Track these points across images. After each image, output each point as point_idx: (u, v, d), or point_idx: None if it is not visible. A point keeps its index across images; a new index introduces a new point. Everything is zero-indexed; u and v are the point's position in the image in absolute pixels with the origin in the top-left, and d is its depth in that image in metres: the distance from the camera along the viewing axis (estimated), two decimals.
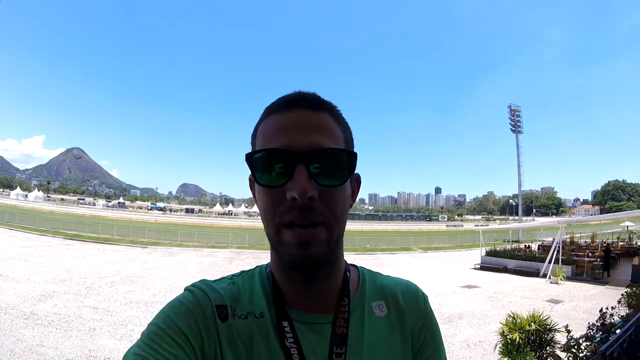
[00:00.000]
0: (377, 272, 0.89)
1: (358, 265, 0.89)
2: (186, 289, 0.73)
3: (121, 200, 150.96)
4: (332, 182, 0.66)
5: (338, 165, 0.67)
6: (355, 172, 0.73)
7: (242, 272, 0.81)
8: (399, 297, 0.83)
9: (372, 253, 28.48)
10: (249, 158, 0.67)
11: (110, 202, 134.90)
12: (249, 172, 0.70)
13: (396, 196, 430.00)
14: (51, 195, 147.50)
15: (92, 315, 9.11)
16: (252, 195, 0.77)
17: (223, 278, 0.79)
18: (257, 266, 0.82)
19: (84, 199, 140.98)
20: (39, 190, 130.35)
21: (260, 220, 0.72)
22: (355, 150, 0.76)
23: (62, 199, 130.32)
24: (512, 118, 56.74)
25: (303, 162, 0.63)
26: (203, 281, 0.75)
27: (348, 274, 0.81)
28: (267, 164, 0.66)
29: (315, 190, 0.63)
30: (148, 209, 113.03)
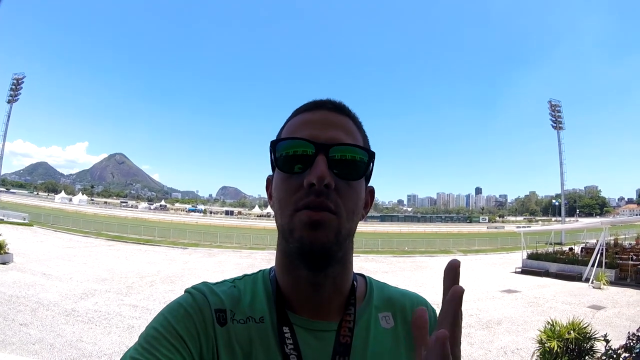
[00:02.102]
0: (385, 283, 0.87)
1: (366, 275, 0.88)
2: (186, 291, 0.73)
3: (163, 203, 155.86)
4: (349, 176, 0.68)
5: (356, 160, 0.69)
6: (370, 185, 0.78)
7: (245, 275, 0.81)
8: (407, 310, 0.80)
9: (410, 255, 28.07)
10: (273, 145, 0.71)
11: (152, 204, 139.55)
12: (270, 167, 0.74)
13: (435, 197, 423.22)
14: (95, 199, 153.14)
15: (132, 313, 9.42)
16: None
17: (225, 281, 0.78)
18: (261, 270, 0.81)
19: (126, 202, 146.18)
20: (82, 194, 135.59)
21: None
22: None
23: (105, 202, 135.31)
24: (553, 114, 54.58)
25: (323, 152, 0.66)
26: (204, 283, 0.75)
27: (355, 282, 0.79)
28: (288, 152, 0.69)
29: (333, 179, 0.65)
30: (186, 212, 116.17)
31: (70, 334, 7.67)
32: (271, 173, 0.77)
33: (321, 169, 0.64)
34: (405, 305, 0.81)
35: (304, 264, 0.68)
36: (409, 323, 0.78)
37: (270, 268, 0.80)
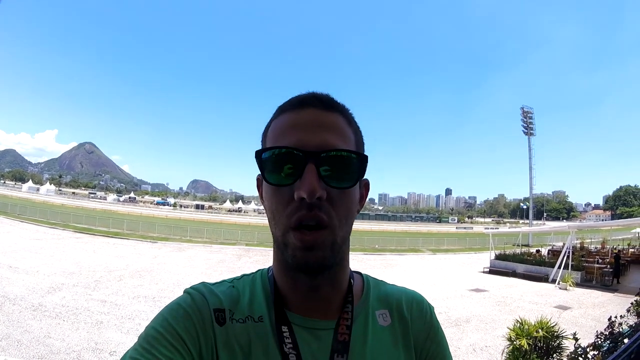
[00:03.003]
0: (382, 281, 0.87)
1: (363, 272, 0.87)
2: (185, 291, 0.72)
3: (132, 195, 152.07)
4: (341, 183, 0.65)
5: (348, 167, 0.66)
6: (365, 177, 0.73)
7: (244, 275, 0.80)
8: (404, 307, 0.81)
9: (380, 253, 28.40)
10: (259, 155, 0.67)
11: (121, 196, 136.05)
12: (259, 171, 0.69)
13: (406, 197, 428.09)
14: (62, 189, 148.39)
15: (100, 308, 9.20)
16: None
17: (223, 281, 0.77)
18: (259, 270, 0.81)
19: (95, 193, 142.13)
20: (50, 184, 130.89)
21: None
22: (365, 150, 0.76)
23: (73, 193, 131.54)
24: (525, 120, 56.30)
25: (313, 161, 0.63)
26: (203, 284, 0.74)
27: (352, 280, 0.79)
28: (276, 162, 0.65)
29: (324, 190, 0.63)
30: (154, 204, 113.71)
31: (37, 329, 7.45)
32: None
33: (311, 181, 0.61)
34: (402, 302, 0.81)
35: (301, 272, 0.68)
36: (406, 320, 0.79)
37: (268, 268, 0.80)
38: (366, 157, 0.68)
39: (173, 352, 0.61)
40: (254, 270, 0.82)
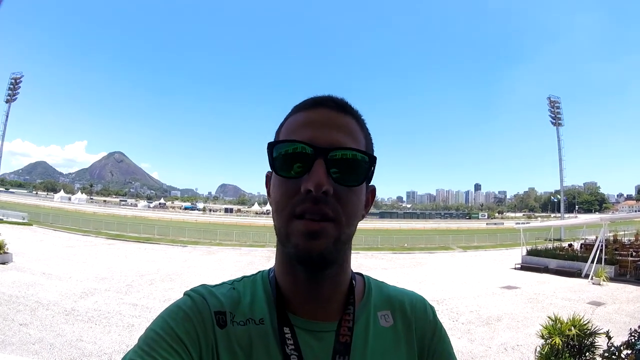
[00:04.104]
0: (383, 282, 0.88)
1: (364, 274, 0.88)
2: (185, 293, 0.72)
3: (162, 201, 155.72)
4: (348, 181, 0.66)
5: (357, 165, 0.67)
6: (372, 184, 0.76)
7: (244, 277, 0.80)
8: (406, 308, 0.81)
9: (409, 252, 28.11)
10: (270, 147, 0.68)
11: (151, 203, 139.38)
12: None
13: (434, 194, 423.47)
14: (94, 198, 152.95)
15: (131, 312, 9.43)
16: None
17: (224, 283, 0.78)
18: (259, 271, 0.81)
19: (126, 201, 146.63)
20: (82, 193, 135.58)
21: None
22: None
23: (104, 201, 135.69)
24: (552, 110, 54.53)
25: (322, 157, 0.64)
26: (203, 286, 0.74)
27: (354, 282, 0.79)
28: (286, 155, 0.67)
29: (331, 186, 0.63)
30: (182, 209, 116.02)
31: (70, 333, 7.68)
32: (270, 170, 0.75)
33: (319, 175, 0.62)
34: (404, 303, 0.82)
35: (301, 267, 0.68)
36: (408, 321, 0.79)
37: (269, 269, 0.80)
38: (375, 158, 0.70)
39: (173, 354, 0.61)
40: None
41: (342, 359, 0.68)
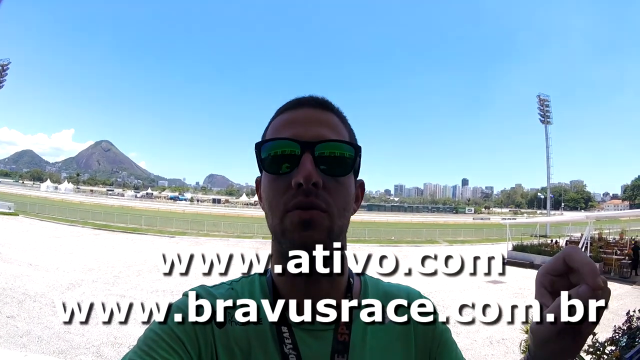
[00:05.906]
0: (379, 279, 0.87)
1: (361, 272, 0.87)
2: (184, 294, 0.73)
3: (149, 191, 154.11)
4: (336, 172, 0.69)
5: (343, 156, 0.70)
6: (360, 178, 0.79)
7: (242, 277, 0.80)
8: (404, 304, 0.79)
9: (396, 245, 28.24)
10: (258, 147, 0.71)
11: (138, 192, 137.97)
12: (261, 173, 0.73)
13: (422, 187, 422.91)
14: (81, 187, 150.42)
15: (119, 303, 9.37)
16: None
17: (222, 283, 0.78)
18: (257, 272, 0.81)
19: (112, 190, 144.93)
20: (68, 182, 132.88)
21: None
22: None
23: (91, 191, 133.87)
24: (541, 108, 55.20)
25: (309, 151, 0.66)
26: (202, 286, 0.75)
27: (351, 280, 0.80)
28: (274, 153, 0.69)
29: (320, 178, 0.65)
30: (168, 199, 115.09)
31: (57, 325, 7.59)
32: (259, 175, 0.76)
33: (307, 168, 0.64)
34: (401, 299, 0.80)
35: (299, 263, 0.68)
36: (407, 316, 0.78)
37: (266, 269, 0.79)
38: (360, 147, 0.73)
39: (172, 354, 0.62)
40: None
41: (341, 357, 0.69)
